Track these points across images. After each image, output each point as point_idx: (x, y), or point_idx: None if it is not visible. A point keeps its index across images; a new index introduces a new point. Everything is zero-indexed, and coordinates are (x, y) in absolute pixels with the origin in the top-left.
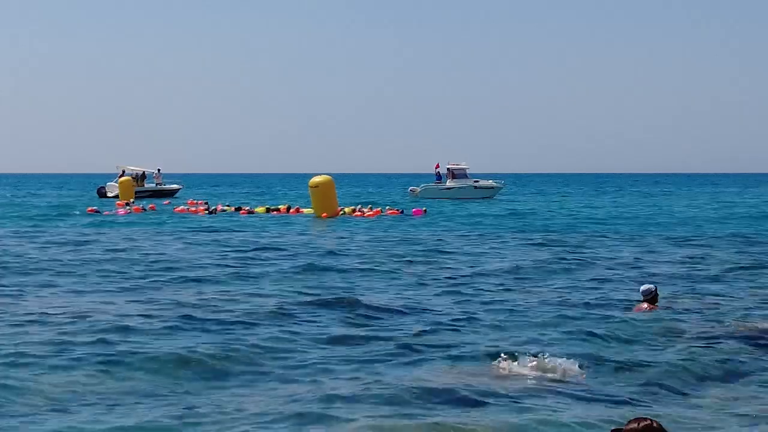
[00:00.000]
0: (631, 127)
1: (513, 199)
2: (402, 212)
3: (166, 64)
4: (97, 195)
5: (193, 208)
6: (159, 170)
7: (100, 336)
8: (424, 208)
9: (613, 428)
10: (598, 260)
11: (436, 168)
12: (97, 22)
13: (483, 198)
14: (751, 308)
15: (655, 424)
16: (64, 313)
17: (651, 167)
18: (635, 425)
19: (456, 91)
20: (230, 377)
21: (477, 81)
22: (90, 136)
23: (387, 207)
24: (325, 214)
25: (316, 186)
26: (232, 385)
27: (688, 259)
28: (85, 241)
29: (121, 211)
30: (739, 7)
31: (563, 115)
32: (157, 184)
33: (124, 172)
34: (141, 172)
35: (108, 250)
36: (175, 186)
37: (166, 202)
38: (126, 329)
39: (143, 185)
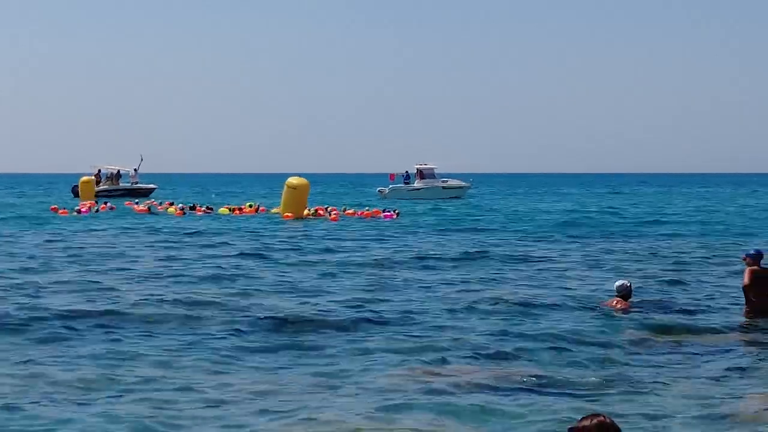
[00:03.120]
0: (631, 127)
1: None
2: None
3: (166, 64)
4: (72, 194)
5: (138, 206)
6: (135, 170)
7: None
8: (396, 211)
9: (569, 426)
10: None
11: (391, 179)
12: (97, 22)
13: (452, 198)
14: (718, 306)
15: (608, 420)
16: None
17: (651, 167)
18: (588, 422)
19: (456, 91)
20: None
21: (477, 81)
22: (90, 136)
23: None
24: (288, 215)
25: (295, 188)
26: None
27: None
28: None
29: (84, 210)
30: (739, 7)
31: (563, 115)
32: (132, 184)
33: (99, 171)
34: (116, 171)
35: None
36: (150, 186)
37: (127, 203)
38: None
39: (118, 184)
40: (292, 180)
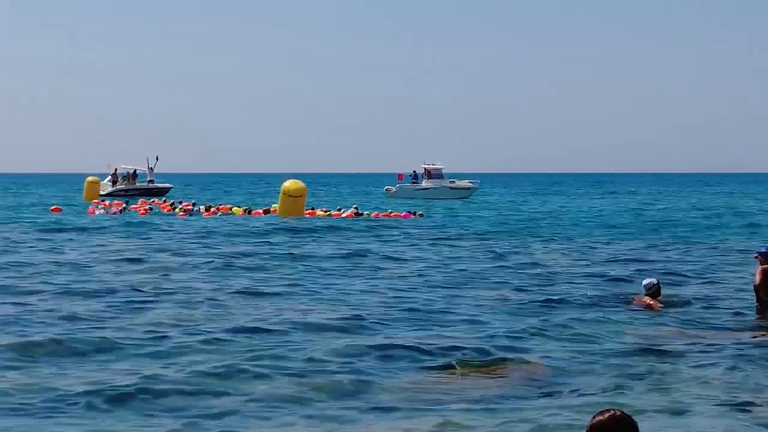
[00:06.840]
0: (630, 127)
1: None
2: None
3: (164, 64)
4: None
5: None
6: (151, 168)
7: None
8: (420, 212)
9: (587, 424)
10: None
11: (399, 179)
12: (97, 22)
13: (458, 198)
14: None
15: (618, 413)
16: None
17: (651, 167)
18: (601, 417)
19: (457, 91)
20: None
21: (478, 81)
22: (90, 136)
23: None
24: (309, 212)
25: (300, 195)
26: None
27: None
28: None
29: (91, 210)
30: (740, 7)
31: (563, 115)
32: (148, 183)
33: (116, 170)
34: (132, 171)
35: None
36: (166, 185)
37: (140, 202)
38: None
39: (134, 184)
40: (291, 186)
